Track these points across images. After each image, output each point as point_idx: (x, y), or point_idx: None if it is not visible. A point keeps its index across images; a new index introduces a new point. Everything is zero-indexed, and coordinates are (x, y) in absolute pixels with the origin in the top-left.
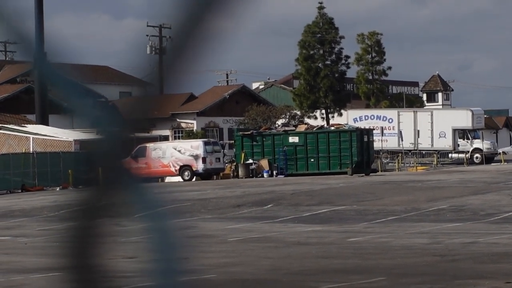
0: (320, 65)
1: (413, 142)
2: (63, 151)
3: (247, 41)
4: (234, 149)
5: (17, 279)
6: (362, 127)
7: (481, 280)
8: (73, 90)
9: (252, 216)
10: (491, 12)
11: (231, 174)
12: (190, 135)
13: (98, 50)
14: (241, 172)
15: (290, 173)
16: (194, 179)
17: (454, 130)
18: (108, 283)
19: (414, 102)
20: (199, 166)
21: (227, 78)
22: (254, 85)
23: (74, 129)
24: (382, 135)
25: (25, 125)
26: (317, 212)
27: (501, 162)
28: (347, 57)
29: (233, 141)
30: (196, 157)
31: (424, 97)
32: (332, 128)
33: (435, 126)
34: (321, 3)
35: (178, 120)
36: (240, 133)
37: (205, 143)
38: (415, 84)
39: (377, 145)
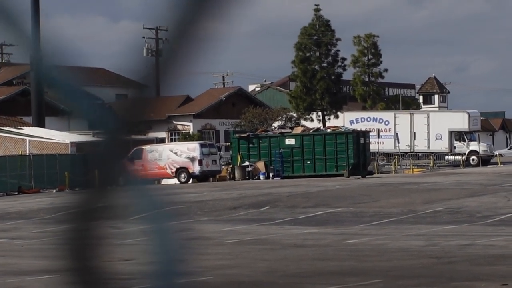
0: (316, 67)
1: (409, 144)
2: (59, 153)
3: (243, 43)
4: (231, 151)
5: (13, 281)
6: (359, 129)
7: (477, 282)
8: (69, 92)
9: (249, 218)
10: (488, 14)
11: (228, 176)
12: (186, 137)
13: (94, 52)
14: (237, 174)
15: (287, 175)
16: (190, 181)
17: (451, 132)
18: (105, 286)
19: (410, 104)
20: (196, 168)
21: (224, 80)
22: (251, 87)
23: (71, 131)
24: (379, 137)
25: (22, 127)
26: (314, 214)
27: (498, 164)
28: (344, 59)
29: (229, 143)
30: (192, 159)
31: (421, 99)
32: (329, 130)
33: (431, 128)
34: (317, 5)
35: (174, 122)
36: (237, 135)
37: (202, 145)
38: (412, 86)
39: (373, 147)
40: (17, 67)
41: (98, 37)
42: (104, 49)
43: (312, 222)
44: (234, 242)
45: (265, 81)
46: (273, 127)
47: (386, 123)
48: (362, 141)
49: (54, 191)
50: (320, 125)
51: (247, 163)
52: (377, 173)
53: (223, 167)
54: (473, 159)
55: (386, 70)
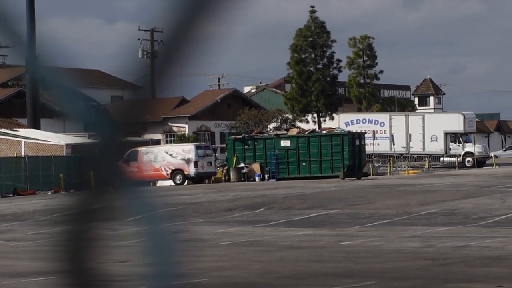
0: (311, 69)
1: (404, 146)
2: (54, 155)
3: (238, 45)
4: (226, 153)
5: (8, 283)
6: (354, 130)
7: (472, 284)
8: (64, 94)
9: (244, 220)
10: (483, 16)
11: (223, 178)
12: (181, 139)
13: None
14: (232, 176)
15: (282, 177)
16: (185, 183)
17: (446, 134)
18: (100, 287)
19: (405, 106)
20: (191, 170)
21: (219, 82)
22: (246, 89)
23: (66, 133)
24: (374, 139)
25: (17, 129)
26: (309, 216)
27: (493, 165)
28: (339, 61)
29: (224, 145)
30: (187, 161)
31: (416, 100)
32: (324, 132)
33: (426, 130)
34: (313, 7)
35: (169, 124)
36: (232, 137)
37: (197, 147)
38: (407, 88)
39: (368, 148)
40: (12, 69)
41: (93, 38)
42: (100, 50)
43: (308, 223)
44: (230, 244)
45: (260, 82)
46: (268, 129)
47: (382, 124)
48: (357, 142)
49: (49, 193)
50: (316, 126)
51: (242, 164)
52: (373, 175)
53: (218, 168)
54: (468, 161)
55: (381, 71)
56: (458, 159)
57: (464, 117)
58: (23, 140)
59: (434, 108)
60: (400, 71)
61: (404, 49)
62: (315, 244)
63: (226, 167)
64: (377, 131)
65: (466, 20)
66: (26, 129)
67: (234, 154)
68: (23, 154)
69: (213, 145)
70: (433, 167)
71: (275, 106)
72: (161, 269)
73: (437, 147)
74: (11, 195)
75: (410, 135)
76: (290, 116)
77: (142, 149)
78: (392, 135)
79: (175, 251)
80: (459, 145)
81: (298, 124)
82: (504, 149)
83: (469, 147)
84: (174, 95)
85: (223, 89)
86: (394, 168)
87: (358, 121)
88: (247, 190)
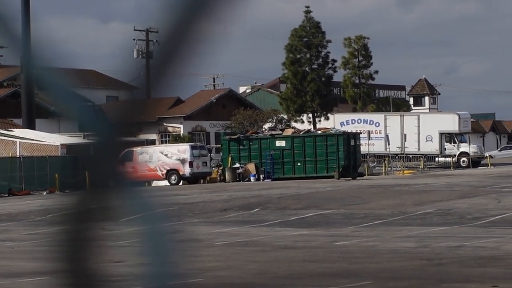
0: (307, 69)
1: (400, 146)
2: (49, 155)
3: (234, 45)
4: (221, 153)
5: (4, 283)
6: (349, 131)
7: (468, 284)
8: (60, 94)
9: (239, 220)
10: (479, 16)
11: (218, 178)
12: (177, 139)
13: (85, 54)
14: (228, 176)
15: (277, 177)
16: (181, 183)
17: (441, 134)
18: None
19: (401, 106)
20: (186, 170)
21: (214, 82)
22: (241, 89)
23: (61, 133)
24: (369, 139)
25: (12, 129)
26: (304, 216)
27: (488, 166)
28: (334, 61)
29: (220, 145)
30: (183, 161)
31: (411, 101)
32: (319, 132)
33: (421, 130)
34: (308, 7)
35: (165, 124)
36: (227, 137)
37: (192, 147)
38: (402, 88)
39: (364, 149)
40: (7, 69)
41: (88, 38)
42: (95, 51)
43: (303, 224)
44: (225, 244)
45: (255, 82)
46: (263, 129)
47: (377, 124)
48: (352, 142)
49: (44, 193)
50: (311, 126)
51: (237, 165)
52: (368, 175)
53: (213, 169)
54: (463, 161)
55: (376, 72)
56: (453, 159)
57: (459, 117)
58: (18, 140)
59: (429, 108)
60: (395, 71)
61: (399, 49)
62: (310, 244)
63: (221, 167)
64: (372, 131)
65: (461, 21)
66: (21, 129)
67: (229, 154)
68: (18, 154)
69: (208, 145)
70: (428, 167)
71: (270, 106)
72: (157, 269)
73: (432, 147)
74: (6, 195)
75: (405, 135)
76: (285, 116)
77: (137, 149)
78: (387, 135)
79: (170, 251)
80: (454, 145)
81: (293, 124)
82: (499, 149)
83: (464, 147)
84: (169, 95)
85: (218, 89)
86: (389, 168)
87: (353, 121)
88: (242, 190)
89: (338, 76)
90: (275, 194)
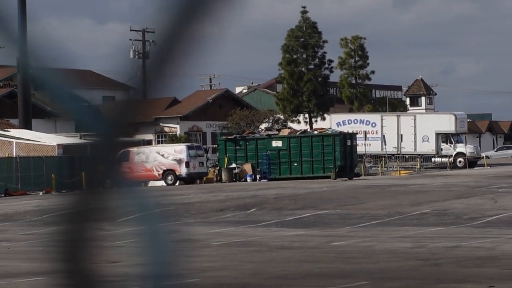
0: (303, 69)
1: (396, 146)
2: (46, 156)
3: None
4: (217, 154)
5: (0, 283)
6: (345, 131)
7: (464, 284)
8: (56, 94)
9: (236, 220)
10: (474, 16)
11: (214, 179)
12: (173, 139)
13: (81, 54)
14: (224, 176)
15: (273, 177)
16: (177, 184)
17: (437, 134)
18: None
19: (397, 106)
20: (182, 170)
21: (211, 82)
22: (238, 89)
23: (58, 133)
24: (365, 139)
25: (8, 129)
26: (301, 216)
27: (484, 166)
28: (330, 61)
29: (216, 146)
30: (179, 161)
31: (407, 101)
32: (315, 132)
33: (418, 130)
34: (304, 7)
35: (161, 124)
36: (224, 137)
37: (188, 148)
38: (398, 88)
39: (360, 149)
40: (3, 69)
41: (85, 39)
42: (91, 51)
43: (299, 224)
44: (221, 244)
45: (252, 83)
46: (260, 129)
47: (373, 125)
48: (349, 143)
49: (41, 193)
50: (307, 127)
51: (234, 165)
52: (364, 175)
53: (210, 169)
54: (460, 161)
55: (373, 72)
56: (450, 159)
57: (456, 118)
58: (14, 140)
59: (426, 109)
60: (392, 72)
61: (396, 49)
62: (307, 244)
63: (218, 168)
64: (368, 131)
65: (458, 21)
66: (17, 130)
67: (226, 155)
68: (14, 154)
69: (204, 146)
70: (424, 168)
71: (267, 107)
72: (154, 270)
73: (428, 147)
74: (3, 195)
75: (401, 135)
76: (281, 117)
77: (134, 149)
78: (383, 136)
79: (167, 251)
80: (450, 146)
81: (290, 124)
82: (495, 150)
83: (460, 148)
84: (166, 95)
85: (215, 90)
86: (385, 169)
87: (350, 122)
88: (238, 190)
89: (335, 77)
90: (271, 194)
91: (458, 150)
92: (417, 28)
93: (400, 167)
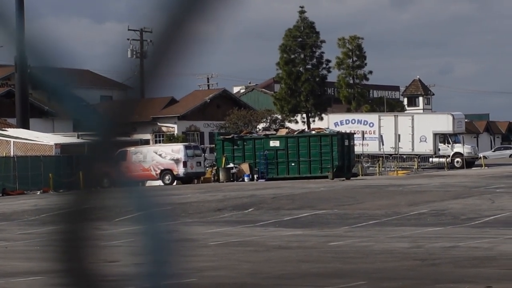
0: (301, 69)
1: (394, 146)
2: (44, 155)
3: (228, 45)
4: (215, 153)
5: None
6: (343, 131)
7: (461, 284)
8: (54, 94)
9: (233, 220)
10: (472, 16)
11: (212, 178)
12: (171, 139)
13: (79, 54)
14: (222, 176)
15: (271, 177)
16: (175, 183)
17: (435, 135)
18: (90, 287)
19: (395, 106)
20: (180, 170)
21: (208, 82)
22: (235, 89)
23: (55, 133)
24: (363, 139)
25: (6, 128)
26: (298, 216)
27: (482, 166)
28: (328, 61)
29: (214, 145)
30: (177, 161)
31: (405, 101)
32: (313, 132)
33: (416, 130)
34: (302, 7)
35: (159, 124)
36: (221, 137)
37: (186, 147)
38: (396, 88)
39: (358, 149)
40: (1, 68)
41: (82, 38)
42: (89, 50)
43: (297, 224)
44: (219, 244)
45: (249, 83)
46: (257, 129)
47: (371, 125)
48: (346, 143)
49: (38, 193)
50: (305, 127)
51: (231, 165)
52: (362, 175)
53: (207, 169)
54: (457, 161)
55: (370, 72)
56: (447, 159)
57: (453, 118)
58: (12, 140)
59: (423, 109)
60: (390, 72)
61: (394, 49)
62: (304, 244)
63: (215, 167)
64: (366, 131)
65: (456, 21)
66: (15, 129)
67: (223, 154)
68: (12, 153)
69: (202, 145)
70: (422, 168)
71: (264, 107)
72: (151, 269)
73: (426, 147)
74: (0, 195)
75: (399, 135)
76: (279, 117)
77: (131, 149)
78: (381, 136)
79: (164, 251)
80: (448, 146)
81: (287, 124)
82: (493, 150)
83: (458, 148)
84: (163, 95)
85: (212, 89)
86: (383, 169)
87: (347, 122)
88: (236, 190)
89: (332, 77)
90: (269, 194)
91: (455, 150)
92: (415, 28)
93: (397, 167)
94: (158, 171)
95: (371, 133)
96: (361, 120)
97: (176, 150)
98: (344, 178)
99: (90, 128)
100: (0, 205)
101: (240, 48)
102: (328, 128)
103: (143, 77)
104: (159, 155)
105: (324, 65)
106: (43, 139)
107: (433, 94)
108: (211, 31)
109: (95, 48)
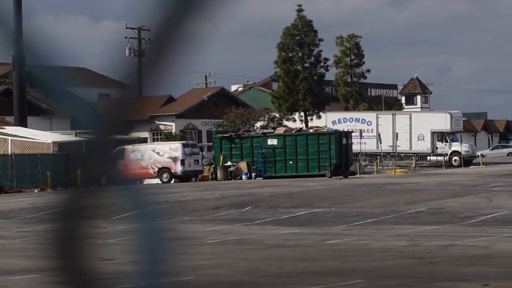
0: (299, 67)
1: (391, 145)
2: (41, 153)
3: (226, 43)
4: (213, 151)
5: None
6: (341, 129)
7: (459, 283)
8: (52, 92)
9: (231, 218)
10: (470, 15)
11: (210, 177)
12: (169, 137)
13: (76, 52)
14: (219, 174)
15: (269, 175)
16: (172, 181)
17: (433, 133)
18: (86, 285)
19: (392, 105)
20: (178, 168)
21: (206, 80)
22: (233, 88)
23: (53, 131)
24: (361, 138)
25: (4, 126)
26: (296, 215)
27: (480, 165)
28: (326, 59)
29: (211, 144)
30: (174, 159)
31: (403, 99)
32: (311, 130)
33: (413, 129)
34: (300, 5)
35: (156, 122)
36: (219, 135)
37: (184, 145)
38: (394, 87)
39: (355, 147)
40: None
41: (80, 36)
42: (87, 48)
43: (294, 222)
44: (216, 242)
45: (247, 81)
46: (255, 127)
47: (369, 123)
48: (344, 141)
49: (36, 191)
50: (303, 125)
51: (229, 163)
52: (359, 174)
53: (205, 167)
54: (455, 160)
55: (368, 70)
56: (445, 158)
57: (451, 116)
58: (10, 138)
59: (421, 107)
60: (387, 70)
61: (392, 48)
62: (302, 242)
63: (213, 166)
64: (364, 130)
65: (454, 19)
66: (13, 127)
67: (221, 153)
68: (10, 152)
69: (200, 144)
70: (420, 166)
71: (262, 105)
72: (148, 267)
73: (424, 146)
74: None
75: (397, 134)
76: (277, 115)
77: (129, 147)
78: (379, 134)
79: (161, 249)
80: (446, 144)
81: (285, 122)
82: (490, 148)
83: (456, 146)
84: (161, 93)
85: (210, 88)
86: (381, 167)
87: (345, 120)
88: (234, 188)
89: (330, 75)
90: (266, 192)
91: (453, 148)
92: (413, 27)
93: (395, 166)
94: (156, 169)
95: (369, 132)
96: (359, 118)
97: (174, 148)
98: (342, 177)
99: (87, 126)
100: None
101: (238, 47)
102: (326, 127)
103: (141, 75)
104: (157, 153)
105: (322, 64)
106: (41, 137)
107: (431, 93)
108: (208, 29)
109: (93, 46)
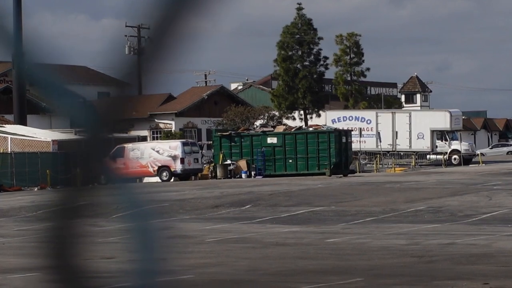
0: (298, 66)
1: (391, 143)
2: (41, 151)
3: (225, 42)
4: (213, 150)
5: None
6: (341, 128)
7: (459, 281)
8: (51, 90)
9: (230, 216)
10: (470, 13)
11: (209, 175)
12: (168, 135)
13: (76, 50)
14: (219, 172)
15: (268, 174)
16: (172, 180)
17: (432, 131)
18: (86, 284)
19: (392, 103)
20: (177, 166)
21: (206, 78)
22: (233, 86)
23: (53, 129)
24: (360, 136)
25: (3, 125)
26: (295, 213)
27: (479, 163)
28: (326, 58)
29: (211, 142)
30: (174, 157)
31: (403, 98)
32: (311, 129)
33: (413, 127)
34: (300, 4)
35: (156, 120)
36: (219, 133)
37: (184, 144)
38: (394, 85)
39: (355, 146)
40: None
41: (80, 35)
42: (86, 47)
43: (294, 220)
44: (216, 241)
45: (247, 79)
46: (255, 126)
47: (368, 122)
48: (344, 140)
49: (35, 189)
50: (302, 123)
51: (229, 161)
52: (359, 172)
53: (205, 165)
54: (454, 158)
55: (368, 69)
56: (445, 156)
57: (451, 115)
58: (9, 136)
59: (421, 106)
60: (387, 69)
61: (391, 46)
62: (301, 241)
63: (213, 164)
64: (363, 128)
65: (453, 18)
66: (12, 125)
67: (221, 151)
68: (9, 150)
69: (199, 142)
70: (419, 165)
71: (262, 103)
72: (147, 266)
73: (423, 144)
74: None
75: (396, 132)
76: (276, 113)
77: (129, 145)
78: (378, 133)
79: (161, 247)
80: (445, 143)
81: (285, 121)
82: (490, 147)
83: (455, 145)
84: (161, 91)
85: (210, 86)
86: (380, 166)
87: (345, 118)
88: (233, 187)
89: (330, 73)
90: (266, 191)
91: (453, 147)
92: (413, 25)
93: (395, 164)
94: (156, 168)
95: (368, 130)
96: (359, 117)
97: (174, 147)
98: (341, 175)
99: (87, 125)
100: None
101: (238, 45)
102: (325, 125)
103: (140, 73)
104: (157, 152)
105: (321, 62)
106: (41, 135)
107: (431, 91)
108: (208, 28)
109: (92, 44)
